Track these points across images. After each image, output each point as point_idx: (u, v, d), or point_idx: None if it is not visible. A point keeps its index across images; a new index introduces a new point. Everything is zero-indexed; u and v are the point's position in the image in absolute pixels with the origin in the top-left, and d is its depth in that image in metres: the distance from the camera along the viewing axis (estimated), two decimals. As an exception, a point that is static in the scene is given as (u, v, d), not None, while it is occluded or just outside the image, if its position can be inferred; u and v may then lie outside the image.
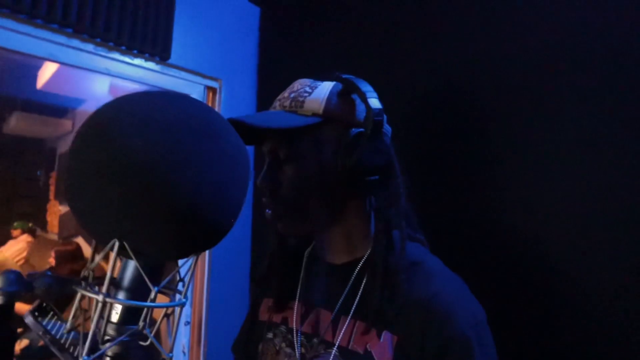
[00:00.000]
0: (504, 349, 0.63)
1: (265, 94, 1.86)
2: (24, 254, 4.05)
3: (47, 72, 2.99)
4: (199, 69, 1.68)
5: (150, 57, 1.51)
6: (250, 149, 0.63)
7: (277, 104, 0.71)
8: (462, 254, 0.86)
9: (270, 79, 1.85)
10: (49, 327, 0.57)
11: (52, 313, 0.60)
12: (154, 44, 1.48)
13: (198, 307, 1.69)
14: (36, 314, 0.58)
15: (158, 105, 0.47)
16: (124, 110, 0.46)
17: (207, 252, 1.70)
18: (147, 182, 0.42)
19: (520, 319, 0.90)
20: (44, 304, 0.61)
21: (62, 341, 0.57)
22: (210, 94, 1.77)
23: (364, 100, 0.64)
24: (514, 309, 0.90)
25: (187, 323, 1.68)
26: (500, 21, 1.02)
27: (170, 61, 1.56)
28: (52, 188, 4.88)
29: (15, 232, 4.25)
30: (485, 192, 1.00)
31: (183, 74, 1.64)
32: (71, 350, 0.57)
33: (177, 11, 1.54)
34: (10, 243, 4.18)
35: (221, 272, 1.73)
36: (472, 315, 0.61)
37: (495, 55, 1.02)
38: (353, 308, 0.66)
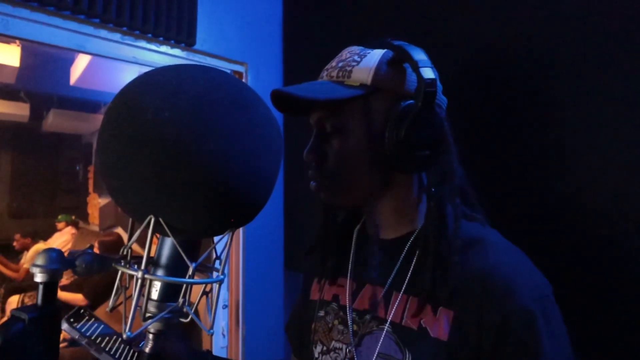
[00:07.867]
0: (572, 330, 0.57)
1: (292, 75, 1.84)
2: (69, 245, 4.25)
3: (79, 67, 3.08)
4: (225, 54, 1.68)
5: (176, 43, 1.51)
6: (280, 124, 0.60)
7: (324, 73, 0.68)
8: (528, 235, 0.77)
9: (296, 60, 1.82)
10: (83, 330, 0.60)
11: (87, 317, 0.63)
12: (179, 31, 1.48)
13: (235, 290, 1.72)
14: (72, 320, 0.61)
15: (186, 77, 0.45)
16: (153, 83, 0.45)
17: (240, 235, 1.71)
18: (177, 155, 0.41)
19: (590, 302, 0.81)
20: (81, 310, 0.63)
21: (98, 341, 0.59)
22: (237, 78, 1.76)
23: (416, 70, 0.59)
24: (585, 293, 0.81)
25: (225, 306, 1.71)
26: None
27: (195, 47, 1.56)
28: (90, 181, 5.06)
29: (59, 225, 4.46)
30: (554, 166, 0.89)
31: (209, 59, 1.64)
32: (108, 348, 0.59)
33: (200, -4, 1.54)
34: (56, 235, 4.39)
35: (255, 254, 1.75)
36: (535, 288, 0.57)
37: (572, 12, 0.86)
38: (405, 284, 0.64)
